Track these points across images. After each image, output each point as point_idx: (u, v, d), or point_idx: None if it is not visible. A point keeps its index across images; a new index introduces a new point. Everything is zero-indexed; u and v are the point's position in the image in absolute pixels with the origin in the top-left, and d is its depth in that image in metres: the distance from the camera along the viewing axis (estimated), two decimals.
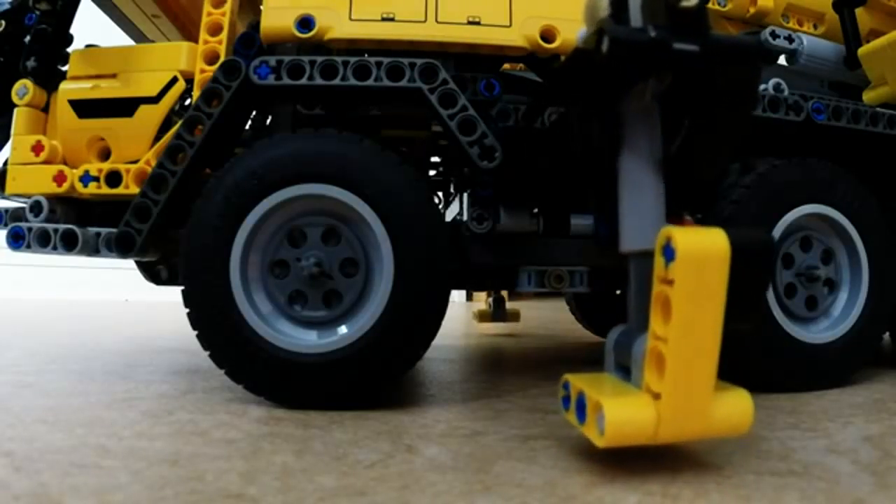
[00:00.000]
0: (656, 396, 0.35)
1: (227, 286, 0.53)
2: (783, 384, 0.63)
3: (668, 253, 0.34)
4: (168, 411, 0.53)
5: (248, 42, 0.59)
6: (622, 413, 0.35)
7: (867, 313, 0.65)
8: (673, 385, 0.34)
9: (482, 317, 1.29)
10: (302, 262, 0.53)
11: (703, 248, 0.33)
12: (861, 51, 0.70)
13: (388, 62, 0.55)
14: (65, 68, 0.64)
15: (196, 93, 0.58)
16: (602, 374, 0.42)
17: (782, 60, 0.77)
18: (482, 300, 1.29)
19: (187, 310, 0.54)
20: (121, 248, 0.57)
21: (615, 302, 1.00)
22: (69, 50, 0.64)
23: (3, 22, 0.66)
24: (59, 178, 0.60)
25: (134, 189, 0.58)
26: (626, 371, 0.40)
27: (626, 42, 0.35)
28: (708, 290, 0.34)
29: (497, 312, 1.27)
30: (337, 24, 0.56)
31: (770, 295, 0.62)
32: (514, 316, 1.29)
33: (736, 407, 0.37)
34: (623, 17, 0.38)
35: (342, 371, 0.53)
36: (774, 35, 0.74)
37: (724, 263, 0.33)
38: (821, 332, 0.64)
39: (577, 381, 0.39)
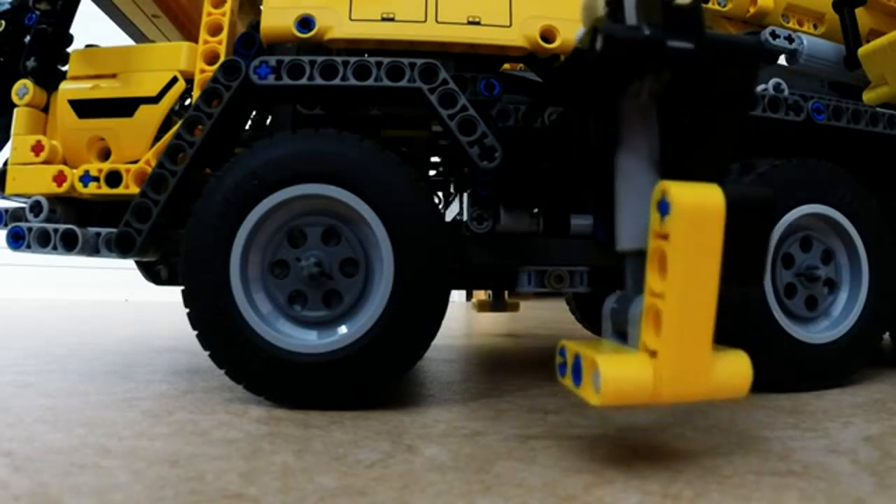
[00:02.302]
0: (653, 354, 0.34)
1: (227, 286, 0.53)
2: (783, 384, 0.62)
3: (664, 207, 0.34)
4: (168, 411, 0.53)
5: (248, 42, 0.59)
6: (619, 371, 0.34)
7: (867, 313, 0.65)
8: (670, 341, 0.34)
9: (481, 306, 1.28)
10: (302, 262, 0.53)
11: (698, 201, 0.33)
12: (861, 51, 0.70)
13: (388, 62, 0.55)
14: (65, 68, 0.64)
15: (196, 93, 0.58)
16: (599, 339, 0.42)
17: (782, 60, 0.77)
18: (477, 308, 1.29)
19: (187, 310, 0.54)
20: (121, 248, 0.57)
21: None
22: (69, 50, 0.64)
23: (3, 22, 0.66)
24: (59, 178, 0.60)
25: (134, 189, 0.58)
26: (623, 337, 0.39)
27: (620, 40, 0.35)
28: (704, 244, 0.33)
29: (496, 302, 1.27)
30: (337, 24, 0.56)
31: (770, 295, 0.62)
32: (514, 306, 1.29)
33: (735, 368, 0.36)
34: (618, 15, 0.37)
35: (342, 371, 0.53)
36: (774, 35, 0.74)
37: (719, 216, 0.33)
38: (821, 332, 0.64)
39: (573, 346, 0.38)
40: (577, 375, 0.37)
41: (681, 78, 0.36)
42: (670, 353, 0.34)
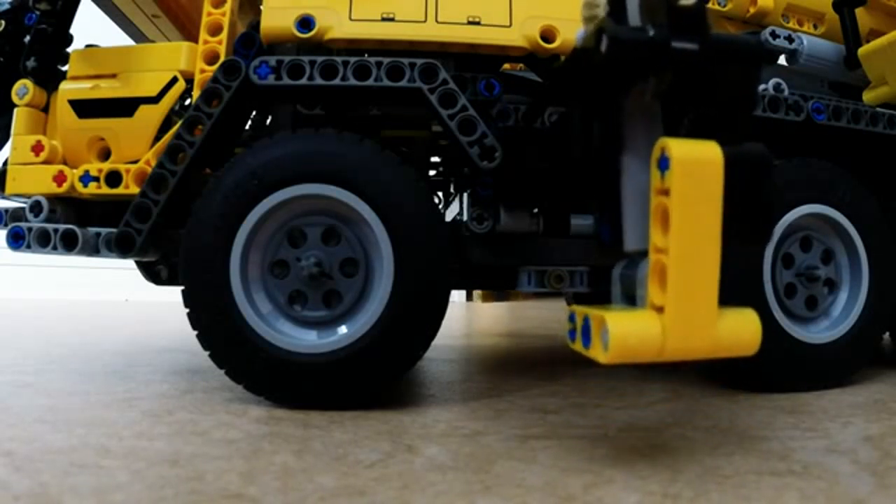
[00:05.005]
0: (660, 310, 0.34)
1: (227, 286, 0.53)
2: (783, 384, 0.62)
3: (664, 163, 0.34)
4: (168, 411, 0.53)
5: (248, 42, 0.59)
6: (627, 327, 0.34)
7: (867, 313, 0.65)
8: (676, 296, 0.34)
9: (486, 297, 1.29)
10: (302, 262, 0.53)
11: (697, 154, 0.34)
12: (861, 51, 0.70)
13: (388, 62, 0.55)
14: (65, 68, 0.64)
15: (196, 93, 0.58)
16: (608, 304, 0.42)
17: (782, 60, 0.77)
18: (482, 298, 1.30)
19: (187, 310, 0.54)
20: (121, 248, 0.57)
21: None
22: (69, 50, 0.64)
23: (3, 22, 0.66)
24: (59, 178, 0.60)
25: (134, 189, 0.58)
26: (632, 301, 0.39)
27: (624, 41, 0.35)
28: (704, 195, 0.34)
29: (500, 293, 1.27)
30: (337, 24, 0.56)
31: (770, 295, 0.62)
32: (516, 295, 1.29)
33: (743, 325, 0.35)
34: (622, 16, 0.37)
35: (342, 371, 0.53)
36: (774, 35, 0.74)
37: (717, 168, 0.34)
38: (821, 332, 0.64)
39: (583, 309, 0.38)
40: (587, 337, 0.37)
41: (685, 78, 0.36)
42: (677, 307, 0.34)
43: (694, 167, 0.34)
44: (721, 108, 0.37)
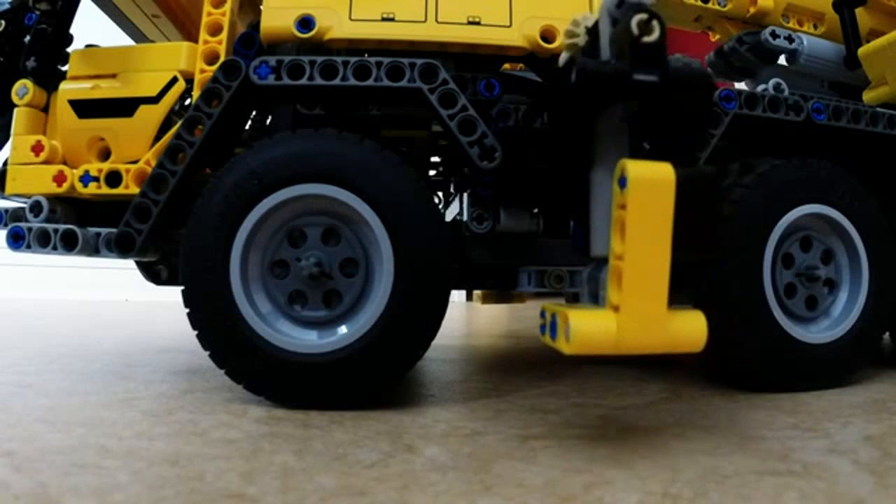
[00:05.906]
0: (616, 309, 0.38)
1: (227, 286, 0.53)
2: (783, 384, 0.62)
3: (623, 182, 0.38)
4: (168, 411, 0.53)
5: (248, 42, 0.59)
6: (586, 323, 0.38)
7: (867, 313, 0.65)
8: (629, 296, 0.38)
9: (486, 298, 1.28)
10: (302, 262, 0.53)
11: (650, 174, 0.38)
12: (861, 51, 0.70)
13: (388, 62, 0.55)
14: (65, 68, 0.64)
15: (196, 93, 0.58)
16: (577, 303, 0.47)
17: (782, 60, 0.77)
18: (480, 300, 1.29)
19: (187, 310, 0.54)
20: (121, 248, 0.57)
21: None
22: (69, 50, 0.64)
23: (3, 22, 0.66)
24: (59, 178, 0.60)
25: (134, 189, 0.58)
26: (597, 300, 0.44)
27: (591, 73, 0.39)
28: (656, 210, 0.38)
29: (500, 294, 1.26)
30: (337, 24, 0.56)
31: (770, 295, 0.62)
32: (518, 297, 1.28)
33: (691, 325, 0.39)
34: (595, 49, 0.42)
35: (342, 371, 0.53)
36: (774, 35, 0.74)
37: (669, 186, 0.38)
38: (821, 332, 0.64)
39: (552, 306, 0.43)
40: (554, 331, 0.41)
41: (647, 105, 0.41)
42: (630, 306, 0.38)
43: (648, 186, 0.38)
44: (678, 129, 0.42)
